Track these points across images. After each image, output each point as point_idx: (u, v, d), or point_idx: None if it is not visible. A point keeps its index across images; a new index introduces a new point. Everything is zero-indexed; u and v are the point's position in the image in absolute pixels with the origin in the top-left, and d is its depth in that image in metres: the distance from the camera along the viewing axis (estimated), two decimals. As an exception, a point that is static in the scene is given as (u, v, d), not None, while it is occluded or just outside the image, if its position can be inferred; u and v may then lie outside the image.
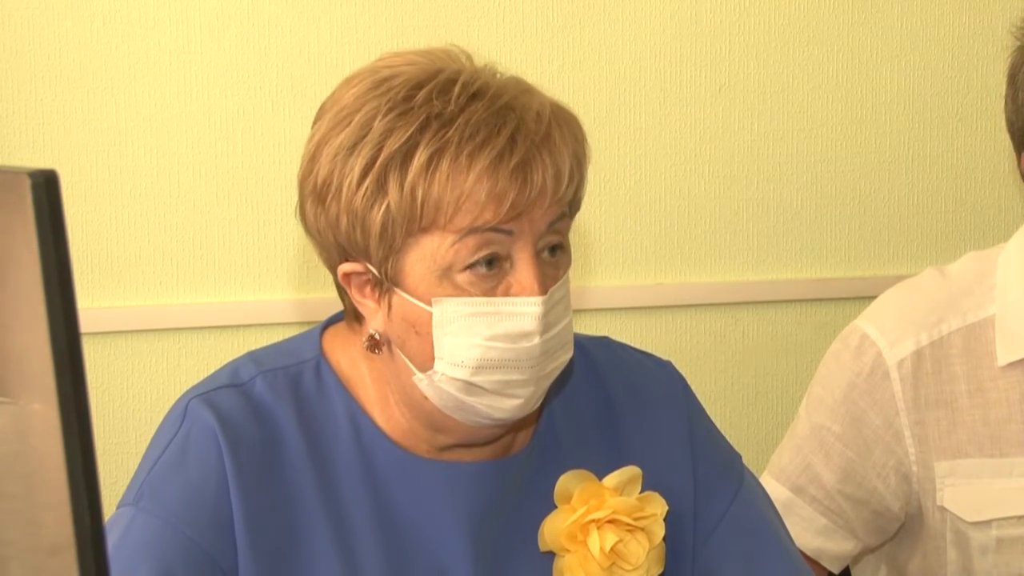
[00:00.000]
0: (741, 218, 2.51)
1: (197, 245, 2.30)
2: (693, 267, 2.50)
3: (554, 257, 1.42)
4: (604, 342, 1.64)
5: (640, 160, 2.44)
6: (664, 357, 1.65)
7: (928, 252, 2.59)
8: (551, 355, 1.42)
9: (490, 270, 1.38)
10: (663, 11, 2.43)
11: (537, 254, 1.40)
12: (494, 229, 1.37)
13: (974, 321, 1.85)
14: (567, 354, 1.45)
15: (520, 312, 1.38)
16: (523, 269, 1.39)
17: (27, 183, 0.84)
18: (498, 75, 1.42)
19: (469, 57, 1.44)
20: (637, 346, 1.67)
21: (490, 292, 1.38)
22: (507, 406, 1.42)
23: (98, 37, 2.23)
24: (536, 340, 1.39)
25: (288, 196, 2.30)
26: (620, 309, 2.48)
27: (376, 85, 1.40)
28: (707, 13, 2.45)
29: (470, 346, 1.38)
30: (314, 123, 1.45)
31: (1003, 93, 1.92)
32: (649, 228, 2.47)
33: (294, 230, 2.32)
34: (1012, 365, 1.84)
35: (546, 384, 1.45)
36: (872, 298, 1.95)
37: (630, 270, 2.47)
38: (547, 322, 1.40)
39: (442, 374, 1.41)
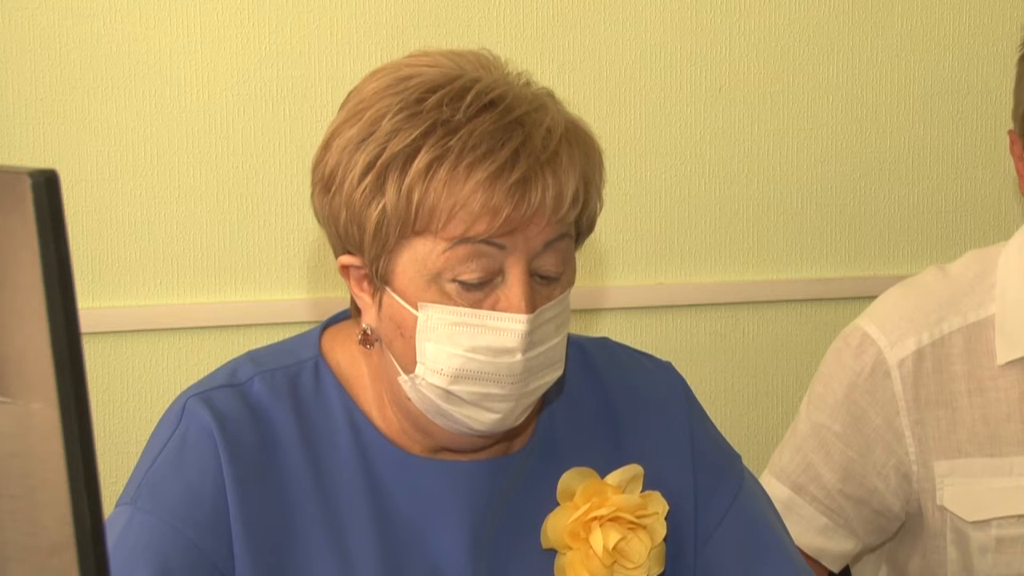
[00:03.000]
0: (741, 218, 2.51)
1: (197, 245, 2.30)
2: (693, 267, 2.50)
3: (551, 277, 1.41)
4: (604, 343, 1.64)
5: (640, 160, 2.44)
6: (664, 357, 1.65)
7: (928, 252, 2.59)
8: (535, 373, 1.41)
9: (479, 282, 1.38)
10: (663, 11, 2.43)
11: (531, 272, 1.39)
12: (486, 241, 1.36)
13: (975, 320, 1.85)
14: (555, 373, 1.44)
15: (504, 328, 1.38)
16: (512, 285, 1.38)
17: (27, 183, 0.84)
18: (532, 86, 1.42)
19: (500, 63, 1.43)
20: (637, 346, 1.67)
21: (477, 303, 1.38)
22: (485, 419, 1.42)
23: (98, 37, 2.23)
24: (518, 357, 1.39)
25: (288, 196, 2.32)
26: (620, 309, 2.48)
27: (395, 83, 1.40)
28: (707, 13, 2.45)
29: (451, 355, 1.38)
30: (340, 109, 1.45)
31: (1003, 93, 1.92)
32: (649, 228, 2.47)
33: (294, 230, 2.33)
34: (1012, 364, 1.84)
35: (528, 401, 1.44)
36: (872, 298, 1.95)
37: (630, 270, 2.47)
38: (532, 340, 1.39)
39: (422, 379, 1.41)
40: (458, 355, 1.38)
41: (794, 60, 2.49)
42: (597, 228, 1.47)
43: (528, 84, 1.42)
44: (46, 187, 0.84)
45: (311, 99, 2.31)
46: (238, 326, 2.32)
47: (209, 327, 2.32)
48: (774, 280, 2.53)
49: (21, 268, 0.85)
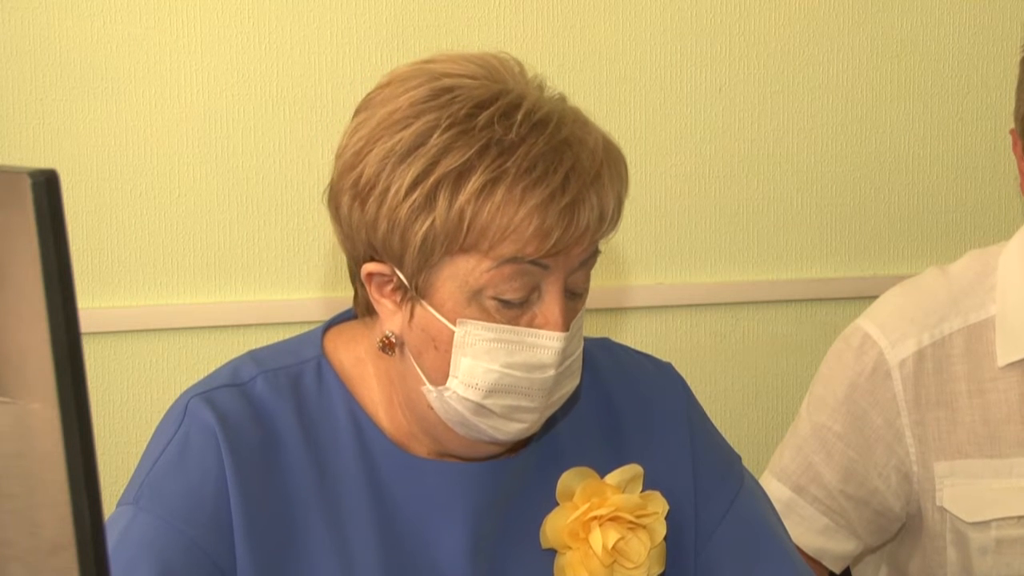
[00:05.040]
0: (741, 218, 2.51)
1: (197, 245, 2.30)
2: (693, 267, 2.50)
3: (578, 293, 1.43)
4: (605, 343, 1.64)
5: (640, 160, 2.44)
6: (664, 357, 1.65)
7: (928, 252, 2.59)
8: (560, 384, 1.43)
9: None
10: (663, 11, 2.43)
11: (565, 289, 1.40)
12: (532, 262, 1.37)
13: (975, 321, 1.85)
14: (575, 381, 1.46)
15: (541, 345, 1.39)
16: (550, 303, 1.39)
17: (27, 183, 0.84)
18: (546, 90, 1.42)
19: (520, 66, 1.43)
20: (637, 346, 1.67)
21: (514, 320, 1.39)
22: (511, 429, 1.43)
23: (99, 37, 2.23)
24: (551, 372, 1.40)
25: (288, 196, 2.31)
26: (621, 309, 2.48)
27: (436, 94, 1.38)
28: (707, 13, 2.45)
29: (487, 370, 1.39)
30: (359, 112, 1.43)
31: (1003, 93, 1.92)
32: (649, 228, 2.47)
33: (294, 229, 2.33)
34: (1012, 365, 1.84)
35: (552, 411, 1.46)
36: (872, 298, 1.95)
37: (630, 270, 2.47)
38: (564, 355, 1.41)
39: (453, 392, 1.41)
40: (495, 371, 1.39)
41: (794, 60, 2.49)
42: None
43: (542, 88, 1.42)
44: (46, 187, 0.84)
45: (311, 99, 2.30)
46: (238, 326, 2.32)
47: (209, 327, 2.32)
48: (774, 280, 2.53)
49: (21, 268, 0.85)
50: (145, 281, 2.29)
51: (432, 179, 1.35)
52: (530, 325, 1.39)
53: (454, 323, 1.39)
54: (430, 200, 1.35)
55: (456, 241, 1.36)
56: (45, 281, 0.84)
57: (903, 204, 2.58)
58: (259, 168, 2.31)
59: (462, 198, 1.34)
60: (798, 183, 2.52)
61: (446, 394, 1.41)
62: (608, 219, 1.40)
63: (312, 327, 1.56)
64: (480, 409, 1.41)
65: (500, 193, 1.34)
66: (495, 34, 2.35)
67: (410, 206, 1.36)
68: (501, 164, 1.35)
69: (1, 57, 2.21)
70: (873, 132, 2.55)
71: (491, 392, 1.40)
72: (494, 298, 1.38)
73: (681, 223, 2.48)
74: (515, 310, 1.39)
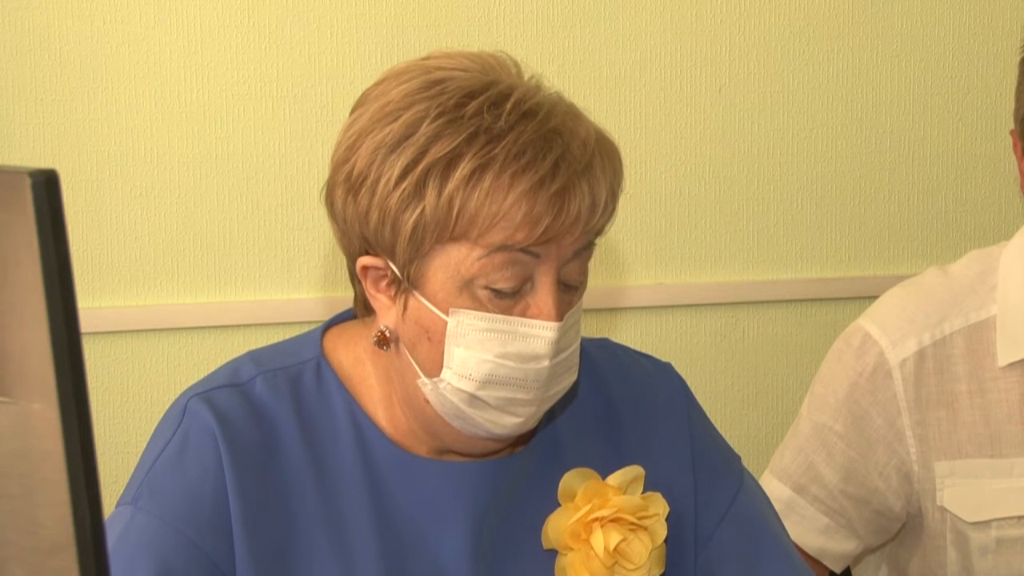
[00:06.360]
0: (741, 218, 2.51)
1: (197, 245, 2.30)
2: (693, 267, 2.50)
3: (573, 285, 1.43)
4: (604, 343, 1.64)
5: (640, 160, 2.44)
6: (664, 357, 1.65)
7: (928, 252, 2.59)
8: (557, 378, 1.43)
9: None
10: (663, 11, 2.43)
11: (558, 280, 1.40)
12: (523, 250, 1.37)
13: (976, 321, 1.85)
14: (572, 377, 1.46)
15: (535, 335, 1.39)
16: (543, 293, 1.39)
17: (27, 183, 0.84)
18: (543, 89, 1.42)
19: (517, 66, 1.43)
20: (637, 346, 1.68)
21: (507, 310, 1.39)
22: (507, 423, 1.43)
23: (98, 37, 2.23)
24: (546, 363, 1.40)
25: (288, 195, 2.32)
26: (620, 309, 2.48)
27: (427, 86, 1.39)
28: (707, 13, 2.45)
29: (480, 361, 1.39)
30: (355, 109, 1.44)
31: (1003, 93, 1.92)
32: (649, 228, 2.47)
33: (294, 229, 2.33)
34: (1012, 366, 1.84)
35: (548, 405, 1.45)
36: (872, 298, 1.95)
37: (630, 270, 2.47)
38: (559, 347, 1.40)
39: (448, 383, 1.41)
40: (488, 361, 1.39)
41: (794, 60, 2.49)
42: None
43: (539, 86, 1.42)
44: (46, 187, 0.84)
45: (311, 99, 2.31)
46: (238, 326, 2.32)
47: (209, 327, 2.32)
48: (774, 280, 2.53)
49: (21, 268, 0.85)
50: (145, 281, 2.29)
51: (421, 167, 1.35)
52: (523, 315, 1.39)
53: (447, 313, 1.39)
54: (419, 188, 1.35)
55: (446, 229, 1.36)
56: (45, 281, 0.84)
57: (903, 204, 2.58)
58: (259, 168, 2.31)
59: (451, 185, 1.34)
60: (798, 183, 2.53)
61: (441, 385, 1.41)
62: (601, 209, 1.40)
63: (312, 327, 1.56)
64: (475, 400, 1.41)
65: (488, 179, 1.34)
66: (495, 34, 2.35)
67: (400, 195, 1.36)
68: (490, 151, 1.35)
69: (1, 57, 2.21)
70: (873, 132, 2.55)
71: (485, 383, 1.39)
72: (486, 287, 1.38)
73: (681, 223, 2.48)
74: (508, 300, 1.38)
